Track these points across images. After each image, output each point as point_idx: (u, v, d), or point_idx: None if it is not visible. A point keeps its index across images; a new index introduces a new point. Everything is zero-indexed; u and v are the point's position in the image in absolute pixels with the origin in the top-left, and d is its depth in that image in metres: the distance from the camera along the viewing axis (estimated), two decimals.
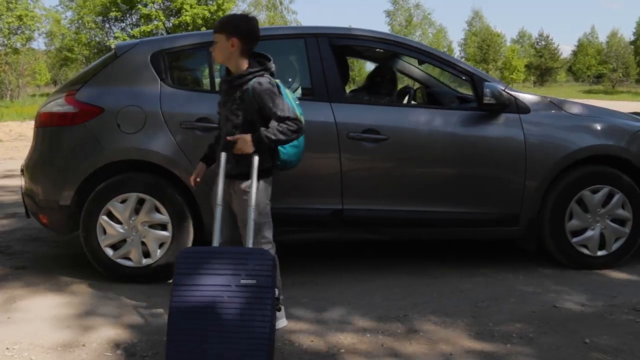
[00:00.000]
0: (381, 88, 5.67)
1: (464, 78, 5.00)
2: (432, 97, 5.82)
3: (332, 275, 4.88)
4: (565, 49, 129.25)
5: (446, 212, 4.81)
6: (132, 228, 4.65)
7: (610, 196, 4.88)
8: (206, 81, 5.20)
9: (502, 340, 3.61)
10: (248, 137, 3.48)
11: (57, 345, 3.59)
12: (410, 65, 6.19)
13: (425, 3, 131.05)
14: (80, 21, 56.91)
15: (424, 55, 5.19)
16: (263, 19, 62.25)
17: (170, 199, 4.64)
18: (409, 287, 4.60)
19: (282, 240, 4.59)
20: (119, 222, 4.65)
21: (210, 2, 53.62)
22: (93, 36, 57.48)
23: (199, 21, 51.62)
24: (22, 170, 5.09)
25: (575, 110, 5.03)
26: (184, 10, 51.92)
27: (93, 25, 56.76)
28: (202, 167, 3.87)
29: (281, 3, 65.46)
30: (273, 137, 3.49)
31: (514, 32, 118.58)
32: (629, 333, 3.69)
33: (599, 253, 4.93)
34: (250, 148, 3.49)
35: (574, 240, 4.90)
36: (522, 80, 76.29)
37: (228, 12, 54.58)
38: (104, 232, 4.65)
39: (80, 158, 4.64)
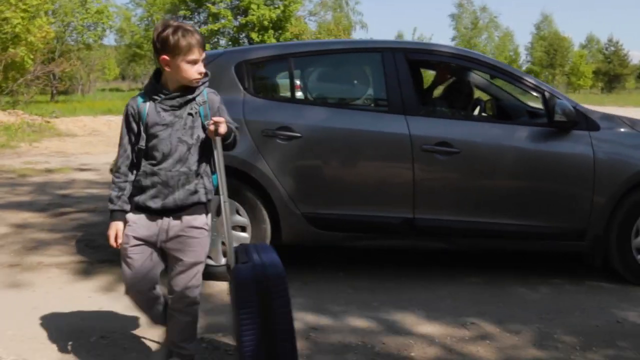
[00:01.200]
0: (456, 101, 5.84)
1: (535, 95, 5.14)
2: (502, 110, 5.94)
3: (402, 282, 5.07)
4: (636, 55, 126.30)
5: (514, 224, 4.95)
6: (215, 230, 4.92)
7: None
8: (286, 91, 5.44)
9: (566, 352, 3.75)
10: (222, 118, 3.03)
11: (152, 335, 3.88)
12: (481, 78, 6.32)
13: (491, 6, 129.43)
14: (149, 19, 58.40)
15: (497, 71, 5.35)
16: (329, 19, 62.67)
17: (249, 203, 4.91)
18: (476, 295, 4.76)
19: (354, 246, 4.81)
20: None
21: (278, 2, 54.14)
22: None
23: (265, 22, 52.23)
24: (111, 171, 5.41)
25: None
26: (250, 10, 52.59)
27: None
28: (122, 225, 3.11)
29: (347, 4, 65.80)
30: (234, 127, 3.18)
31: (582, 37, 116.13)
32: None
33: None
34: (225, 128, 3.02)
35: None
36: (590, 86, 74.82)
37: (294, 14, 55.18)
38: None
39: None
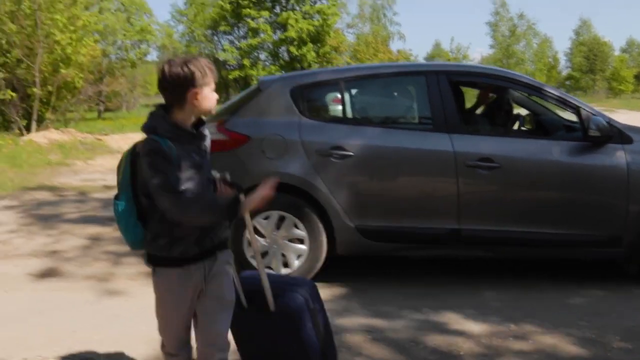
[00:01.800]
0: (497, 118, 6.22)
1: (571, 111, 5.49)
2: (540, 124, 6.29)
3: (448, 288, 5.45)
4: None
5: (554, 233, 5.30)
6: (274, 242, 5.37)
7: None
8: (338, 113, 5.87)
9: (603, 349, 4.10)
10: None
11: None
12: (519, 94, 6.67)
13: (529, 12, 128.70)
14: (191, 34, 59.66)
15: (533, 89, 5.74)
16: (367, 31, 63.16)
17: (307, 217, 5.34)
18: (519, 299, 5.13)
19: (404, 256, 5.21)
20: (262, 236, 5.39)
21: (316, 16, 54.79)
22: (202, 49, 59.91)
23: (304, 35, 52.91)
24: None
25: None
26: (289, 25, 53.34)
27: (203, 39, 59.37)
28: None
29: (385, 15, 66.25)
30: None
31: (623, 41, 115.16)
32: None
33: None
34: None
35: None
36: (631, 91, 74.06)
37: (332, 27, 55.78)
38: (249, 244, 5.39)
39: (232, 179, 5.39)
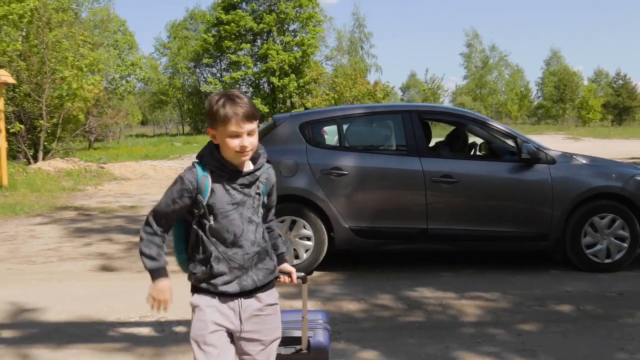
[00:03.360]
0: (455, 145, 8.04)
1: (510, 140, 7.32)
2: (491, 150, 8.07)
3: (417, 273, 7.20)
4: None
5: (498, 230, 7.09)
6: (287, 240, 7.09)
7: (613, 221, 7.05)
8: (336, 142, 7.64)
9: (522, 306, 5.85)
10: (291, 267, 3.15)
11: None
12: (479, 129, 8.44)
13: (501, 45, 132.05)
14: (174, 67, 61.50)
15: (479, 123, 7.63)
16: (345, 62, 65.32)
17: (312, 220, 7.07)
18: (471, 278, 6.88)
19: (385, 250, 6.97)
20: None
21: (295, 48, 56.83)
22: (185, 81, 61.84)
23: (286, 67, 54.89)
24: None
25: (588, 161, 7.28)
26: (270, 57, 55.34)
27: (186, 71, 61.29)
28: (169, 284, 2.89)
29: (362, 48, 68.65)
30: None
31: (591, 71, 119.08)
32: None
33: (606, 261, 7.09)
34: None
35: (588, 251, 7.07)
36: (599, 119, 76.41)
37: (312, 57, 57.87)
38: None
39: None
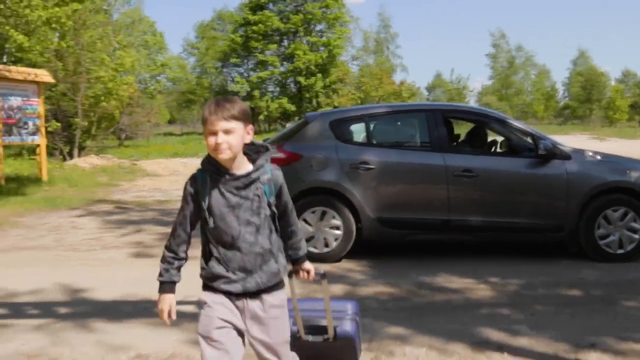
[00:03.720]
0: (475, 141, 8.50)
1: (528, 137, 7.77)
2: (510, 147, 8.51)
3: (437, 261, 7.68)
4: None
5: (516, 222, 7.55)
6: (318, 229, 7.59)
7: (625, 214, 7.47)
8: (363, 138, 8.14)
9: (541, 292, 6.31)
10: (310, 265, 3.30)
11: None
12: (499, 127, 8.89)
13: (528, 45, 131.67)
14: (202, 67, 62.31)
15: (498, 121, 8.10)
16: (371, 62, 65.76)
17: (342, 211, 7.57)
18: (486, 267, 7.34)
19: (410, 240, 7.48)
20: (309, 224, 7.61)
21: (322, 49, 57.38)
22: (214, 80, 62.63)
23: (312, 67, 55.43)
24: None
25: (601, 157, 7.71)
26: (297, 57, 55.93)
27: (214, 71, 62.09)
28: (173, 301, 3.01)
29: (388, 48, 69.10)
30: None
31: (619, 72, 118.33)
32: None
33: (619, 251, 7.52)
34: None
35: (601, 242, 7.51)
36: (626, 119, 76.07)
37: (337, 59, 58.36)
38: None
39: (288, 185, 7.59)
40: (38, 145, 17.01)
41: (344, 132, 7.99)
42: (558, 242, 7.86)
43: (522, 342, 4.89)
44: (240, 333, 2.98)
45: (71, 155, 22.10)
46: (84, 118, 22.30)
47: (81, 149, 22.66)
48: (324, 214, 7.61)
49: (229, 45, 58.91)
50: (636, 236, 7.49)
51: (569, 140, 10.22)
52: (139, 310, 5.92)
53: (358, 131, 8.38)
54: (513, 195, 7.60)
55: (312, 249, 7.59)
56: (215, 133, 2.79)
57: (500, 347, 4.75)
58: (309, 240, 7.58)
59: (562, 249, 7.96)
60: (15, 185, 15.38)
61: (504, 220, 7.56)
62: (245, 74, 60.80)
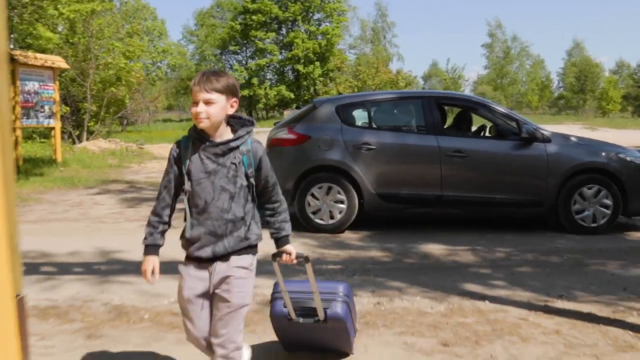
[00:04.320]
0: (463, 126, 9.40)
1: (512, 122, 8.67)
2: (498, 131, 9.38)
3: (429, 232, 8.58)
4: None
5: (501, 198, 8.45)
6: (325, 203, 8.49)
7: (599, 191, 8.38)
8: (365, 122, 9.02)
9: (521, 257, 7.21)
10: (292, 248, 3.38)
11: None
12: (487, 112, 9.77)
13: (523, 35, 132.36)
14: (201, 54, 62.98)
15: (486, 108, 9.00)
16: (368, 51, 66.50)
17: (345, 187, 8.46)
18: (474, 237, 8.23)
19: (407, 213, 8.40)
20: (316, 199, 8.50)
21: (320, 37, 58.11)
22: (212, 67, 63.25)
23: (310, 54, 56.17)
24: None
25: (578, 140, 8.62)
26: (295, 45, 56.66)
27: (213, 58, 62.78)
28: (155, 260, 3.19)
29: (384, 37, 69.83)
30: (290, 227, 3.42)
31: (613, 62, 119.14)
32: None
33: (592, 225, 8.43)
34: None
35: (577, 217, 8.42)
36: (619, 110, 76.70)
37: (336, 46, 59.13)
38: (309, 204, 8.51)
39: (298, 163, 8.53)
40: (52, 129, 17.81)
41: (348, 116, 8.87)
42: (538, 216, 8.76)
43: (501, 292, 5.79)
44: (210, 297, 3.17)
45: (80, 139, 22.91)
46: (93, 103, 23.09)
47: (89, 133, 23.46)
48: (329, 189, 8.50)
49: (228, 33, 59.56)
50: (608, 211, 8.40)
51: (561, 129, 11.06)
52: (170, 268, 6.77)
53: (361, 115, 9.26)
54: (499, 174, 8.50)
55: (319, 221, 8.50)
56: (197, 103, 2.99)
57: (482, 297, 5.64)
58: (316, 212, 8.49)
59: (541, 223, 8.87)
60: (31, 166, 16.19)
61: (490, 196, 8.47)
62: (244, 62, 61.49)
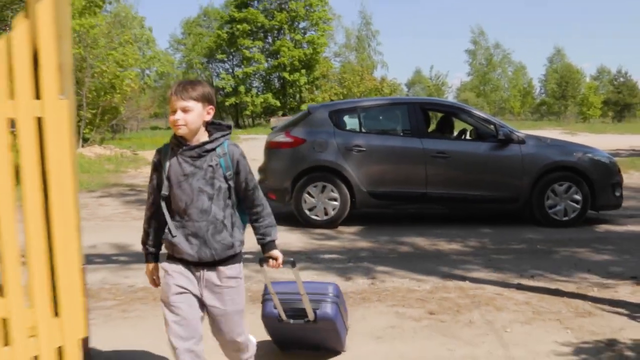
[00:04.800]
0: (445, 129, 10.23)
1: (490, 125, 9.50)
2: (478, 134, 10.16)
3: (416, 226, 9.38)
4: None
5: (481, 194, 9.27)
6: (319, 200, 9.27)
7: (569, 187, 9.21)
8: (356, 126, 9.82)
9: (488, 247, 8.03)
10: (278, 253, 3.38)
11: None
12: (467, 116, 10.57)
13: (505, 42, 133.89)
14: (188, 63, 63.50)
15: (467, 113, 9.88)
16: (353, 59, 67.32)
17: (338, 185, 9.25)
18: (453, 229, 9.03)
19: (394, 210, 9.20)
20: (312, 196, 9.28)
21: (305, 45, 58.86)
22: (199, 75, 63.74)
23: (296, 63, 56.89)
24: (258, 170, 9.72)
25: (550, 142, 9.48)
26: (282, 53, 57.36)
27: (200, 66, 63.35)
28: (155, 267, 3.37)
29: (369, 45, 70.62)
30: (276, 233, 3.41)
31: (594, 68, 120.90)
32: None
33: (564, 218, 9.26)
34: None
35: (550, 211, 9.25)
36: (599, 115, 77.73)
37: (321, 54, 59.89)
38: (305, 202, 9.28)
39: (294, 164, 9.30)
40: None
41: (340, 120, 9.65)
42: (514, 211, 9.58)
43: (480, 274, 6.59)
44: (199, 299, 3.21)
45: (76, 146, 23.54)
46: (87, 110, 23.76)
47: (84, 140, 24.11)
48: (324, 187, 9.27)
49: (215, 41, 60.08)
50: (578, 206, 9.23)
51: (542, 134, 11.88)
52: None
53: (352, 120, 10.05)
54: (478, 172, 9.32)
55: (314, 217, 9.27)
56: (174, 111, 3.06)
57: (463, 278, 6.43)
58: (312, 209, 9.27)
59: (517, 217, 9.69)
60: None
61: (470, 193, 9.28)
62: (231, 70, 62.11)
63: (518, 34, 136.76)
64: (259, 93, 59.15)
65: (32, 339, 3.58)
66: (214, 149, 3.15)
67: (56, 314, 3.67)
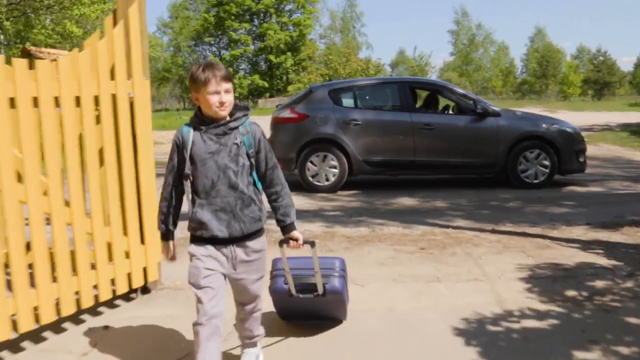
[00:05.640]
0: (431, 105, 11.53)
1: (470, 101, 10.83)
2: (458, 108, 11.42)
3: (404, 190, 10.70)
4: (625, 62, 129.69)
5: (461, 161, 10.60)
6: (321, 168, 10.57)
7: (539, 154, 10.54)
8: (352, 103, 11.10)
9: (474, 207, 9.36)
10: (298, 234, 3.45)
11: None
12: (449, 93, 11.84)
13: (487, 22, 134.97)
14: (176, 46, 64.08)
15: (450, 91, 11.19)
16: (338, 41, 68.23)
17: (337, 155, 10.54)
18: (439, 193, 10.35)
19: (386, 176, 10.54)
20: (314, 165, 10.58)
21: (291, 28, 59.73)
22: (187, 58, 64.51)
23: (282, 45, 57.78)
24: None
25: (522, 114, 10.84)
26: (268, 36, 58.22)
27: (188, 49, 64.00)
28: (172, 246, 3.38)
29: (354, 27, 71.56)
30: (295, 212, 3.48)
31: (575, 48, 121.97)
32: None
33: (534, 181, 10.60)
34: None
35: (522, 175, 10.58)
36: (579, 94, 79.07)
37: (307, 36, 60.81)
38: (309, 170, 10.58)
39: (299, 137, 10.58)
40: None
41: (338, 98, 10.92)
42: (492, 176, 10.93)
43: (461, 223, 7.92)
44: (223, 275, 3.24)
45: None
46: None
47: None
48: (325, 157, 10.57)
49: (202, 24, 60.75)
50: (546, 170, 10.57)
51: None
52: None
53: (349, 97, 11.32)
54: (459, 142, 10.63)
55: (317, 183, 10.57)
56: (218, 92, 3.09)
57: (447, 226, 7.74)
58: (314, 176, 10.58)
59: (494, 181, 11.04)
60: None
61: (453, 160, 10.62)
62: (218, 53, 62.87)
63: (501, 13, 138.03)
64: (246, 75, 59.98)
65: (127, 260, 4.94)
66: (237, 127, 3.19)
67: (142, 242, 5.04)
